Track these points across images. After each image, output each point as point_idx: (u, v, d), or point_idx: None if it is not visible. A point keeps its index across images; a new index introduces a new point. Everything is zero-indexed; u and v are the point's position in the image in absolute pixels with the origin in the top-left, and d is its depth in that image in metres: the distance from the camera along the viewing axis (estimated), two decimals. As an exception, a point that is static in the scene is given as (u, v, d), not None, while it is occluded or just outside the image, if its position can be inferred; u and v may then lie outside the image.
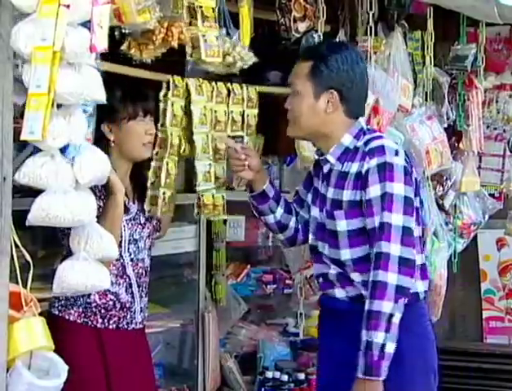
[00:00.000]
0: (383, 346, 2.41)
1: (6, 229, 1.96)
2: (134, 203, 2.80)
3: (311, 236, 2.71)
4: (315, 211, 2.68)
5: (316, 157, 2.71)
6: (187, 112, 2.84)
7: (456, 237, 4.20)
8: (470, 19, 4.07)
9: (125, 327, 2.69)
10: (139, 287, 2.73)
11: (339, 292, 2.62)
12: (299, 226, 2.83)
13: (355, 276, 2.57)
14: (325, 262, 2.64)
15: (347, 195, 2.55)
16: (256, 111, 3.08)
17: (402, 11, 3.94)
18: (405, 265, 2.45)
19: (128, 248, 2.69)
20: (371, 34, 3.51)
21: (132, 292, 2.71)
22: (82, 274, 2.08)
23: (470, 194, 4.29)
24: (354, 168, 2.55)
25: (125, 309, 2.68)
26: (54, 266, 2.58)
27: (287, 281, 4.50)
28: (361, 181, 2.52)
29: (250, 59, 2.93)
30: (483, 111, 4.28)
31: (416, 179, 2.63)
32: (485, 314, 4.79)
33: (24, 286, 2.03)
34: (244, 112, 3.04)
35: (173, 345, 3.96)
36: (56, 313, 2.66)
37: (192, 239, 3.81)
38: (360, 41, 3.61)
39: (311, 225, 2.71)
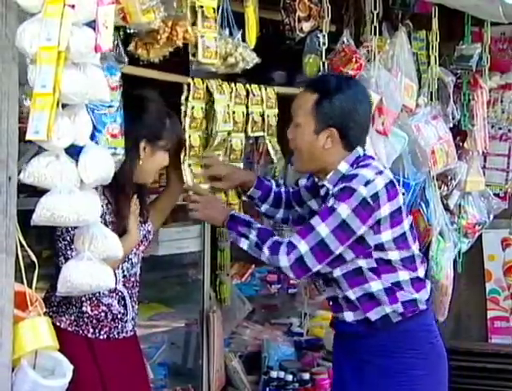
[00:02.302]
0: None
1: (11, 229, 1.96)
2: (141, 223, 2.76)
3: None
4: None
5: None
6: (207, 115, 2.85)
7: (460, 237, 4.20)
8: (474, 18, 4.07)
9: (116, 336, 2.66)
10: (130, 297, 2.71)
11: (348, 316, 2.66)
12: (289, 217, 2.93)
13: (350, 293, 2.61)
14: (332, 285, 2.68)
15: None
16: (276, 111, 3.11)
17: (406, 11, 3.94)
18: (299, 262, 2.52)
19: (122, 266, 2.65)
20: (375, 34, 3.51)
21: (125, 304, 2.68)
22: (87, 274, 2.08)
23: (474, 194, 4.29)
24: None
25: (116, 320, 2.66)
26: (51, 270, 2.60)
27: (291, 281, 4.50)
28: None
29: (253, 59, 2.94)
30: (487, 110, 4.28)
31: (396, 210, 2.59)
32: (490, 314, 4.78)
33: (29, 286, 2.03)
34: (264, 112, 3.06)
35: (177, 345, 3.96)
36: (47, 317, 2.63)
37: (197, 238, 3.80)
38: (365, 40, 3.61)
39: None
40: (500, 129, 4.66)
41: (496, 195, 4.55)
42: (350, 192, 2.52)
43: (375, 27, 3.51)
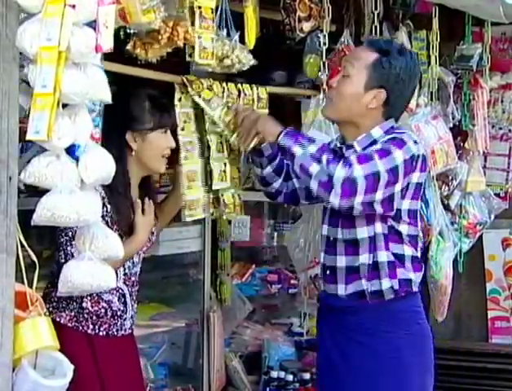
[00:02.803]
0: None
1: (11, 228, 1.96)
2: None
3: (324, 226, 2.72)
4: None
5: (338, 145, 2.71)
6: (197, 116, 2.85)
7: (461, 237, 4.20)
8: (475, 18, 4.06)
9: (115, 333, 2.67)
10: (130, 295, 2.72)
11: (341, 289, 2.66)
12: (283, 190, 2.86)
13: (364, 258, 2.59)
14: (334, 253, 2.66)
15: None
16: (266, 111, 3.09)
17: (407, 11, 3.94)
18: (350, 181, 2.45)
19: (123, 264, 2.64)
20: (376, 34, 3.51)
21: (125, 301, 2.68)
22: (88, 273, 2.07)
23: (475, 194, 4.29)
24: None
25: (116, 317, 2.66)
26: (51, 268, 2.60)
27: (292, 281, 4.51)
28: None
29: (249, 61, 2.94)
30: (488, 110, 4.28)
31: (420, 184, 2.63)
32: (490, 314, 4.78)
33: (30, 285, 2.03)
34: None
35: (178, 345, 3.97)
36: (47, 313, 2.63)
37: (197, 238, 3.81)
38: (365, 40, 3.61)
39: (325, 216, 2.73)
40: (500, 129, 4.66)
41: (497, 195, 4.55)
42: (403, 144, 2.53)
43: (375, 27, 3.51)
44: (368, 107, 2.60)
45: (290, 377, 4.02)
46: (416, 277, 2.68)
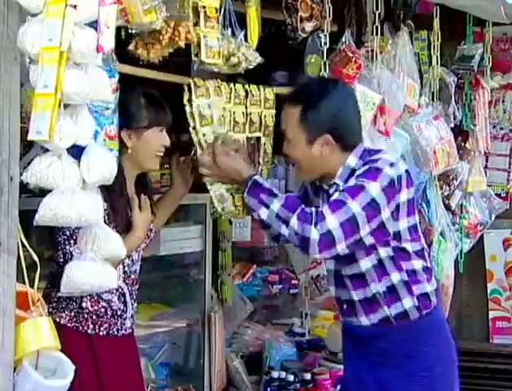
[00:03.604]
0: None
1: (13, 229, 1.96)
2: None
3: (331, 262, 2.67)
4: None
5: (317, 183, 2.69)
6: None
7: (462, 237, 4.20)
8: (476, 18, 4.07)
9: (115, 333, 2.66)
10: (130, 294, 2.71)
11: (363, 320, 2.64)
12: None
13: (378, 286, 2.57)
14: (347, 287, 2.64)
15: None
16: (273, 111, 3.09)
17: (408, 11, 3.94)
18: (327, 235, 2.41)
19: (122, 263, 2.63)
20: (377, 34, 3.51)
21: (125, 301, 2.68)
22: (90, 273, 2.08)
23: (476, 194, 4.29)
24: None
25: (116, 317, 2.66)
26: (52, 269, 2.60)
27: (293, 281, 4.50)
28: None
29: (255, 59, 2.93)
30: (489, 111, 4.28)
31: (411, 200, 2.60)
32: (491, 315, 4.78)
33: (31, 286, 2.03)
34: (262, 112, 3.05)
35: (179, 345, 3.97)
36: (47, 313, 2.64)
37: (198, 239, 3.80)
38: (366, 41, 3.61)
39: None
40: (501, 129, 4.67)
41: (498, 195, 4.55)
42: (378, 172, 2.48)
43: (377, 27, 3.50)
44: (323, 155, 2.55)
45: (291, 377, 4.01)
46: (431, 287, 2.66)
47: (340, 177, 2.59)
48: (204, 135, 2.78)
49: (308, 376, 4.05)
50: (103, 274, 2.10)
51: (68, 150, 1.95)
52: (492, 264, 4.76)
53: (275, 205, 2.48)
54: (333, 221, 2.41)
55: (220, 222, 3.96)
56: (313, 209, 2.46)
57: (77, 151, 1.99)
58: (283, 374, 4.01)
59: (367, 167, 2.51)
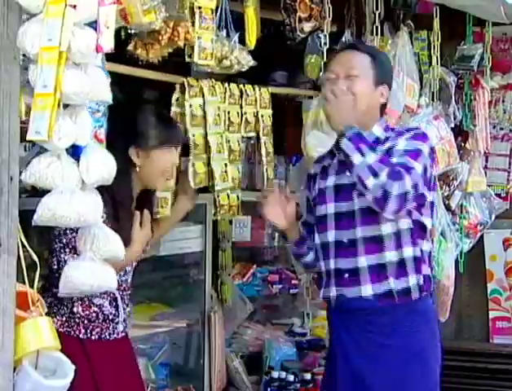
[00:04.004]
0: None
1: (13, 229, 1.96)
2: None
3: (329, 233, 2.69)
4: (334, 207, 2.68)
5: (334, 151, 2.72)
6: (204, 113, 2.85)
7: (462, 237, 4.20)
8: (476, 18, 4.07)
9: (108, 337, 2.64)
10: (122, 299, 2.69)
11: (366, 289, 2.62)
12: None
13: (392, 255, 2.59)
14: (354, 254, 2.63)
15: None
16: (270, 111, 3.10)
17: (408, 11, 3.94)
18: (404, 196, 2.50)
19: None
20: (377, 34, 3.52)
21: (116, 305, 2.66)
22: (89, 274, 2.08)
23: (476, 194, 4.29)
24: (386, 146, 2.63)
25: (107, 321, 2.64)
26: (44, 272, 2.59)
27: (293, 281, 4.50)
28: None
29: (248, 63, 2.94)
30: (489, 111, 4.28)
31: (435, 175, 2.75)
32: (491, 315, 4.78)
33: (31, 286, 2.03)
34: (257, 112, 3.05)
35: (179, 345, 3.96)
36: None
37: (198, 239, 3.80)
38: (366, 40, 3.61)
39: (328, 222, 2.69)
40: (501, 129, 4.67)
41: (498, 195, 4.55)
42: (424, 137, 2.65)
43: (376, 27, 3.51)
44: (379, 102, 2.69)
45: (291, 377, 4.01)
46: (431, 273, 2.71)
47: None
48: (193, 136, 2.78)
49: (308, 376, 4.04)
50: (103, 275, 2.10)
51: (67, 150, 1.96)
52: (492, 264, 4.76)
53: (371, 157, 2.53)
54: (409, 183, 2.50)
55: (220, 222, 3.96)
56: (395, 169, 2.52)
57: (76, 152, 1.99)
58: (283, 374, 4.01)
59: (412, 133, 2.66)
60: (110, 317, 2.65)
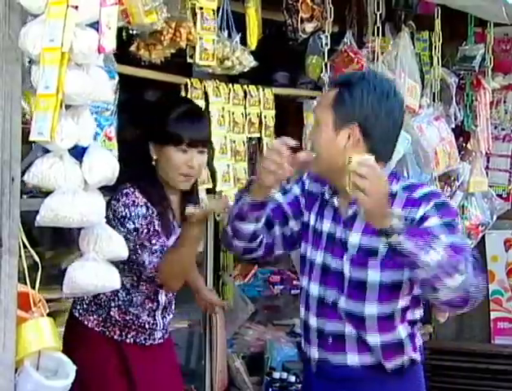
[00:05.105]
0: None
1: (14, 229, 1.96)
2: (179, 227, 2.64)
3: (313, 285, 2.34)
4: (323, 257, 2.31)
5: (326, 196, 2.33)
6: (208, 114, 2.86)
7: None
8: (477, 19, 4.07)
9: (143, 342, 2.64)
10: (165, 308, 2.68)
11: (351, 359, 2.27)
12: (265, 241, 2.40)
13: (373, 338, 2.25)
14: (339, 318, 2.28)
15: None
16: (273, 112, 3.10)
17: (409, 12, 3.95)
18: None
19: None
20: (378, 35, 3.52)
21: (154, 316, 2.65)
22: (93, 274, 2.07)
23: (477, 194, 4.29)
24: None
25: (143, 328, 2.64)
26: (61, 267, 2.61)
27: (294, 282, 4.50)
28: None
29: (249, 63, 2.95)
30: (490, 111, 4.28)
31: None
32: (493, 315, 4.78)
33: (33, 286, 2.03)
34: (261, 113, 3.06)
35: (180, 346, 3.97)
36: (76, 315, 2.63)
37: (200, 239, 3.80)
38: (368, 41, 3.62)
39: (312, 271, 2.34)
40: (503, 129, 4.67)
41: (499, 195, 4.56)
42: (448, 207, 2.23)
43: (378, 28, 3.51)
44: (346, 148, 2.20)
45: (293, 378, 4.02)
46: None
47: None
48: None
49: (309, 377, 4.04)
50: (106, 275, 2.10)
51: (69, 151, 1.96)
52: (493, 264, 4.76)
53: (439, 252, 2.05)
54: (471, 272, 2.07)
55: (221, 223, 3.96)
56: (460, 247, 2.10)
57: (78, 152, 1.99)
58: (284, 374, 4.02)
59: (432, 205, 2.19)
60: (147, 326, 2.64)
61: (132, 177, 2.54)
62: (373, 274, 2.22)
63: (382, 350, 2.25)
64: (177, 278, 2.50)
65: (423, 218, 2.18)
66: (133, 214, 2.49)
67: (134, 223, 2.48)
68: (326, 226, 2.32)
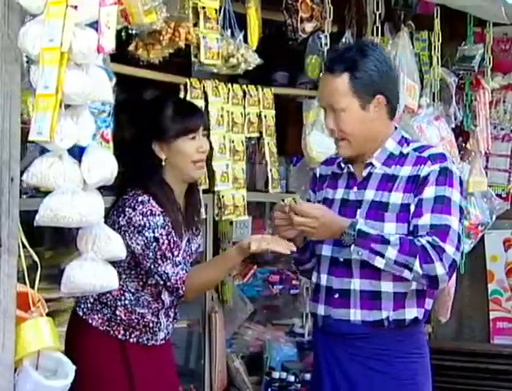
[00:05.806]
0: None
1: (13, 229, 1.96)
2: (186, 231, 2.66)
3: (328, 247, 2.49)
4: None
5: (342, 165, 2.52)
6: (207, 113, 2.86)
7: (463, 238, 4.20)
8: (476, 19, 4.07)
9: (145, 342, 2.64)
10: (170, 308, 2.67)
11: (354, 314, 2.44)
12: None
13: (388, 286, 2.41)
14: (349, 275, 2.44)
15: (397, 197, 2.41)
16: (273, 111, 3.10)
17: (408, 12, 3.95)
18: (453, 265, 2.34)
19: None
20: (377, 34, 3.52)
21: (158, 315, 2.65)
22: (91, 274, 2.07)
23: (477, 194, 4.29)
24: (405, 171, 2.43)
25: (147, 328, 2.64)
26: (61, 267, 2.61)
27: (293, 282, 4.50)
28: (417, 184, 2.40)
29: (254, 61, 2.95)
30: (490, 111, 4.28)
31: None
32: (492, 315, 4.78)
33: (32, 286, 2.03)
34: (261, 113, 3.06)
35: (179, 346, 3.96)
36: (80, 314, 2.63)
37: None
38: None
39: None
40: (502, 129, 4.67)
41: (499, 195, 4.56)
42: (451, 175, 2.40)
43: (377, 27, 3.51)
44: (376, 118, 2.42)
45: (292, 378, 4.02)
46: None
47: (377, 159, 2.45)
48: None
49: (309, 377, 4.04)
50: (105, 275, 2.10)
51: (68, 150, 1.96)
52: (492, 264, 4.76)
53: (391, 252, 2.33)
54: (451, 250, 2.33)
55: (221, 223, 3.96)
56: (425, 244, 2.32)
57: (77, 152, 1.99)
58: (283, 374, 4.02)
59: (438, 168, 2.40)
60: (151, 325, 2.64)
61: (140, 181, 2.54)
62: (389, 226, 2.39)
63: (393, 300, 2.41)
64: (200, 293, 2.51)
65: (426, 180, 2.38)
66: (152, 224, 2.48)
67: (153, 232, 2.48)
68: (339, 194, 2.51)
